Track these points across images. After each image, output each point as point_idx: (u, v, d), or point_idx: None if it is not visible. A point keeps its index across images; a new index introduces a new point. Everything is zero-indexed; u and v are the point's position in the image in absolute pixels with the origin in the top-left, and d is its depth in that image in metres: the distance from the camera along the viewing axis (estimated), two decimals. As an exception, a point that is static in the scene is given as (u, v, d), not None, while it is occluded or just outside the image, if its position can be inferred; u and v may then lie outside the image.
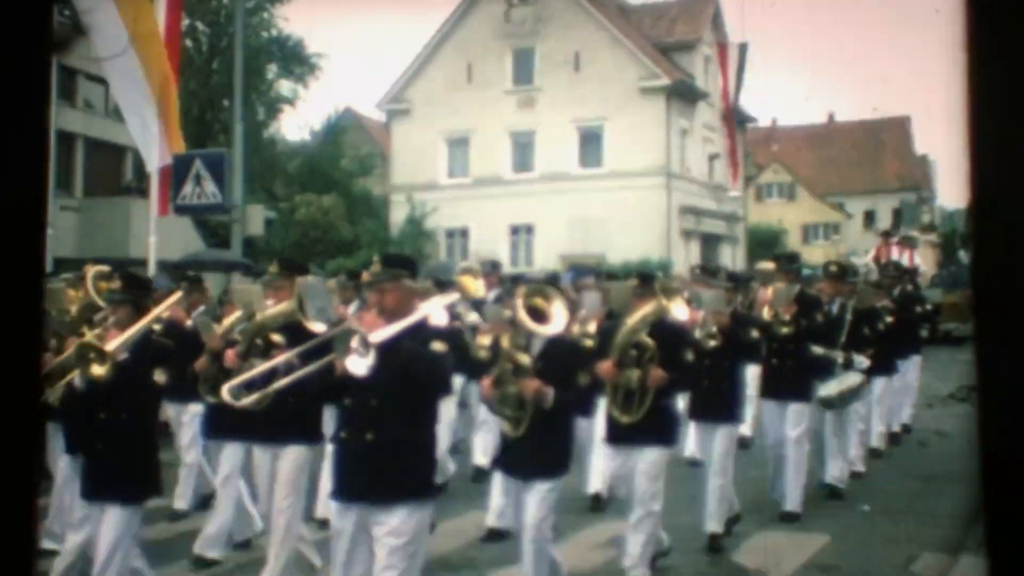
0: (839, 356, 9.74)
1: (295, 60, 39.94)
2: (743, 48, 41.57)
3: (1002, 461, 0.94)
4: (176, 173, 15.68)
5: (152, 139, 12.51)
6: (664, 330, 6.84)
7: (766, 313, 9.23)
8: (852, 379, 9.74)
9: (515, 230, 40.98)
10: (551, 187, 39.62)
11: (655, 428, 6.89)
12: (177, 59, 13.53)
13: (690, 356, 7.03)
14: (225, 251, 23.61)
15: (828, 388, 9.62)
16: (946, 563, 7.70)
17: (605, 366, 6.79)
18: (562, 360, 6.02)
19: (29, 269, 0.97)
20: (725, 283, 8.80)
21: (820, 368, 9.70)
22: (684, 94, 40.91)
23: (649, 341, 6.77)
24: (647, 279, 7.28)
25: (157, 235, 13.83)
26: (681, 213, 40.07)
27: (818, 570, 7.77)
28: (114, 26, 11.56)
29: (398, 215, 41.23)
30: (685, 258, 38.06)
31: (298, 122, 67.51)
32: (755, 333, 8.33)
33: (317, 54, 40.47)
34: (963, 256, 30.00)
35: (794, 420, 9.23)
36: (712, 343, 7.98)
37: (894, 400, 12.73)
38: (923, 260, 26.02)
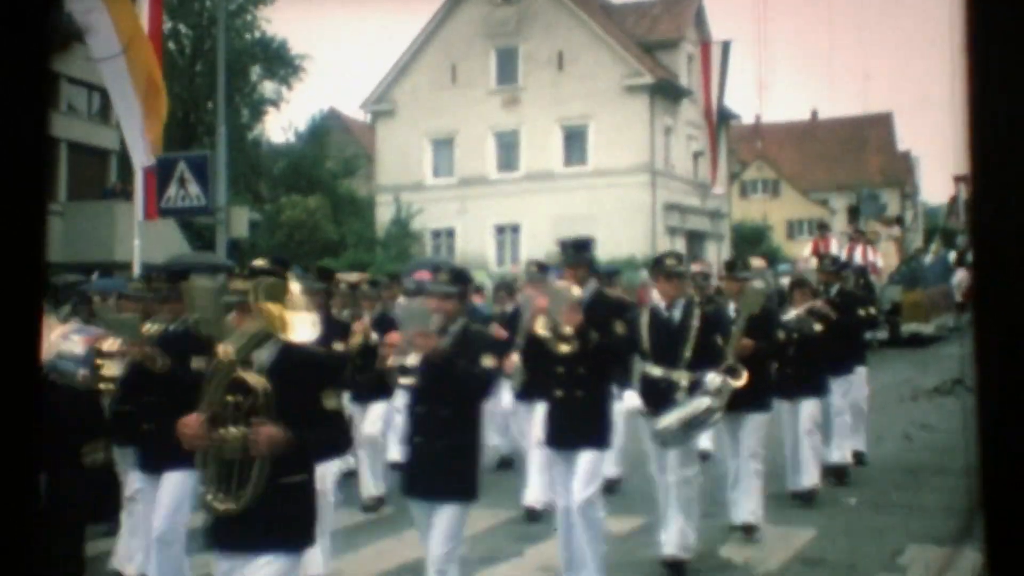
0: (682, 377, 7.30)
1: (278, 62, 39.83)
2: (726, 46, 41.64)
3: (1000, 454, 0.94)
4: (160, 176, 15.65)
5: (137, 140, 12.50)
6: (292, 362, 4.46)
7: (538, 326, 6.66)
8: (697, 404, 7.19)
9: (501, 229, 40.95)
10: (536, 186, 39.62)
11: (276, 523, 4.39)
12: (160, 61, 13.51)
13: (333, 402, 4.51)
14: (210, 253, 23.54)
15: (666, 418, 7.16)
16: (933, 555, 7.74)
17: (187, 421, 4.40)
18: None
19: (29, 270, 0.99)
20: (446, 287, 5.95)
21: (657, 394, 7.37)
22: (668, 92, 40.95)
23: (257, 381, 4.31)
24: (256, 273, 4.57)
25: (142, 238, 13.79)
26: (666, 210, 40.10)
27: (805, 563, 7.80)
28: (107, 28, 11.59)
29: (384, 216, 41.15)
30: (671, 255, 38.07)
31: (282, 124, 67.17)
32: (489, 362, 5.62)
33: (300, 55, 40.41)
34: (931, 251, 29.17)
35: (585, 475, 6.67)
36: (405, 381, 5.75)
37: (837, 424, 10.68)
38: (884, 256, 24.42)
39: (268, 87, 40.78)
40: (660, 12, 43.80)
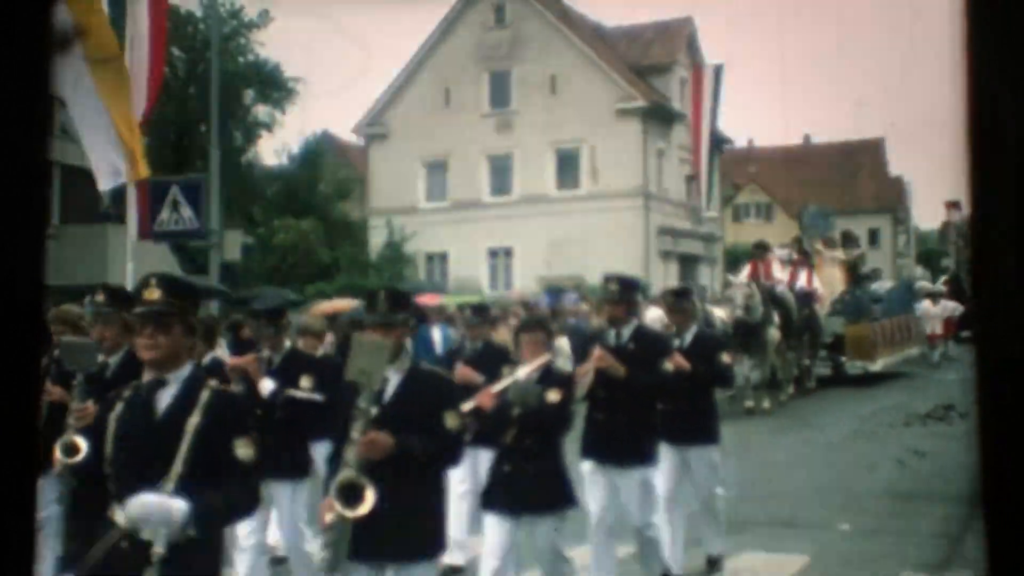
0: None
1: (272, 85, 39.90)
2: (719, 70, 41.81)
3: (1002, 478, 0.94)
4: (153, 199, 15.65)
5: (112, 161, 12.05)
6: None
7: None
8: None
9: (494, 253, 41.00)
10: (529, 210, 39.70)
11: None
12: (161, 73, 13.25)
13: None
14: (203, 277, 23.53)
15: None
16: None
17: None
18: None
19: (30, 284, 0.98)
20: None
21: (114, 559, 3.79)
22: (660, 116, 41.13)
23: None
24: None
25: (135, 262, 13.76)
26: (659, 234, 40.21)
27: (798, 591, 7.78)
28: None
29: (377, 239, 41.20)
30: (663, 279, 38.19)
31: (276, 146, 67.24)
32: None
33: (294, 79, 40.45)
34: (918, 274, 26.93)
35: None
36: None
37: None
38: (828, 282, 21.36)
39: (261, 110, 40.86)
40: (653, 36, 44.04)
